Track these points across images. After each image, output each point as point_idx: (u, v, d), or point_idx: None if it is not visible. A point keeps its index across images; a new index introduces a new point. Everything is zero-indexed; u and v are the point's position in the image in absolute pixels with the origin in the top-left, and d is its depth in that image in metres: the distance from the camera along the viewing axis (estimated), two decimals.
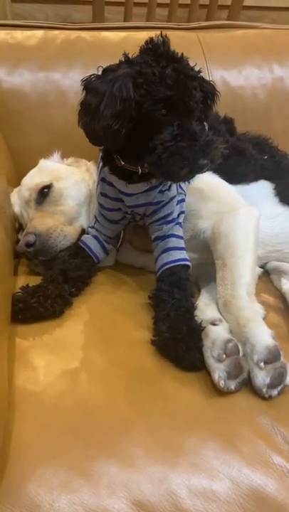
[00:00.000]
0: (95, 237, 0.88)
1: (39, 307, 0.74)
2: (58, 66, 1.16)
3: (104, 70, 0.69)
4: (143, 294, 0.82)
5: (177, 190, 0.83)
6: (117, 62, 0.72)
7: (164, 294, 0.75)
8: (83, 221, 0.92)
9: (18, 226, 0.97)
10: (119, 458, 0.54)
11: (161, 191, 0.80)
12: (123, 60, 0.69)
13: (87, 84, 0.69)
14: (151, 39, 0.68)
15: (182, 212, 0.85)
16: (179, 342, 0.66)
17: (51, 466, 0.53)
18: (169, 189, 0.81)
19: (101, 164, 0.82)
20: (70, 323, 0.75)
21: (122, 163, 0.74)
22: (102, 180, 0.82)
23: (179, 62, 0.66)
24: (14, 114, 1.13)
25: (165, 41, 0.67)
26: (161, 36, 0.68)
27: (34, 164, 1.02)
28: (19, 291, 0.76)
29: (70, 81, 1.15)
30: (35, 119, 1.14)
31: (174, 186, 0.82)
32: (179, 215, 0.83)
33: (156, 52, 0.67)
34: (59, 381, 0.63)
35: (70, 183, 0.94)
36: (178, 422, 0.59)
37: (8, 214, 0.89)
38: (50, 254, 0.84)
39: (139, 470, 0.54)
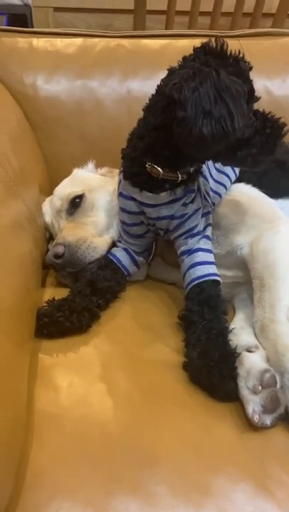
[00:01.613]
0: (125, 249, 0.85)
1: (65, 321, 0.71)
2: (95, 74, 1.14)
3: (186, 79, 0.60)
4: (174, 312, 0.78)
5: (202, 203, 0.79)
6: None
7: (194, 315, 0.71)
8: (114, 233, 0.88)
9: (48, 236, 0.95)
10: (141, 495, 0.50)
11: (184, 204, 0.76)
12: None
13: (186, 96, 0.59)
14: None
15: (209, 224, 0.80)
16: (211, 370, 0.62)
17: (68, 500, 0.49)
18: (192, 201, 0.77)
19: (121, 178, 0.78)
20: (96, 341, 0.71)
21: (161, 171, 0.70)
22: (120, 195, 0.79)
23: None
24: (50, 121, 1.12)
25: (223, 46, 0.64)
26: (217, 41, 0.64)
27: (68, 173, 1.00)
28: (45, 304, 0.73)
29: (107, 89, 1.14)
30: (71, 127, 1.12)
31: (198, 198, 0.78)
32: (205, 227, 0.79)
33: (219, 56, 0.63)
34: (81, 404, 0.60)
35: (102, 193, 0.91)
36: (207, 458, 0.54)
37: (38, 224, 0.87)
38: (78, 266, 0.81)
39: (161, 510, 0.49)
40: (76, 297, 0.74)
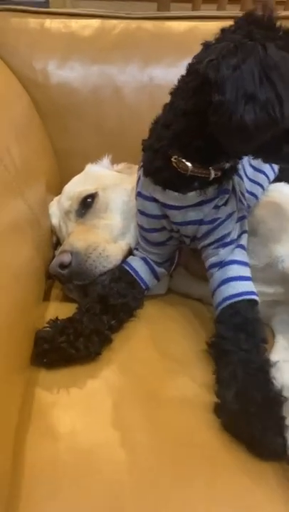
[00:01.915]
0: (144, 258, 0.72)
1: (69, 348, 0.58)
2: (113, 59, 1.02)
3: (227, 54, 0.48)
4: (201, 336, 0.65)
5: (237, 205, 0.66)
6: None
7: (227, 343, 0.57)
8: (130, 239, 0.75)
9: (55, 240, 0.82)
10: None
11: (216, 207, 0.63)
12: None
13: (224, 76, 0.47)
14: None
15: (244, 231, 0.67)
16: (252, 418, 0.48)
17: None
18: (226, 203, 0.63)
19: (140, 174, 0.65)
20: (106, 373, 0.58)
21: (190, 166, 0.57)
22: (139, 195, 0.66)
23: None
24: (63, 111, 1.00)
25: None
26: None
27: (81, 169, 0.87)
28: (46, 325, 0.60)
29: (126, 76, 1.01)
30: (86, 117, 1.00)
31: (232, 200, 0.65)
32: (240, 235, 0.66)
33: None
34: (86, 460, 0.47)
35: (118, 193, 0.78)
36: None
37: (43, 227, 0.74)
38: (87, 277, 0.68)
39: None
40: (84, 317, 0.62)
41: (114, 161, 0.89)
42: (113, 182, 0.81)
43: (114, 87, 1.00)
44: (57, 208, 0.81)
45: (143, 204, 0.66)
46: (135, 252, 0.74)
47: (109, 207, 0.77)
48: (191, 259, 0.77)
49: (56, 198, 0.84)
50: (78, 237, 0.71)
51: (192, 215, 0.63)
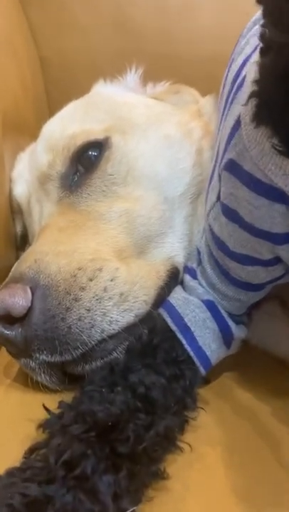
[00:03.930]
0: (209, 304, 0.32)
1: None
2: None
3: None
4: None
5: None
6: None
7: None
8: (176, 247, 0.36)
9: (19, 232, 0.43)
10: None
11: None
12: None
13: None
14: None
15: None
16: None
17: None
18: None
19: (239, 116, 0.26)
20: None
21: None
22: (230, 166, 0.27)
23: None
24: None
25: None
26: None
27: (84, 91, 0.48)
28: None
29: None
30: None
31: None
32: None
33: None
34: None
35: (153, 141, 0.39)
36: None
37: None
38: (70, 347, 0.29)
39: None
40: (55, 486, 0.22)
41: (148, 79, 0.51)
42: (144, 118, 0.42)
43: None
44: (27, 168, 0.41)
45: (236, 191, 0.27)
46: (187, 280, 0.33)
47: (132, 171, 0.37)
48: None
49: (29, 148, 0.44)
50: (55, 246, 0.31)
51: None
